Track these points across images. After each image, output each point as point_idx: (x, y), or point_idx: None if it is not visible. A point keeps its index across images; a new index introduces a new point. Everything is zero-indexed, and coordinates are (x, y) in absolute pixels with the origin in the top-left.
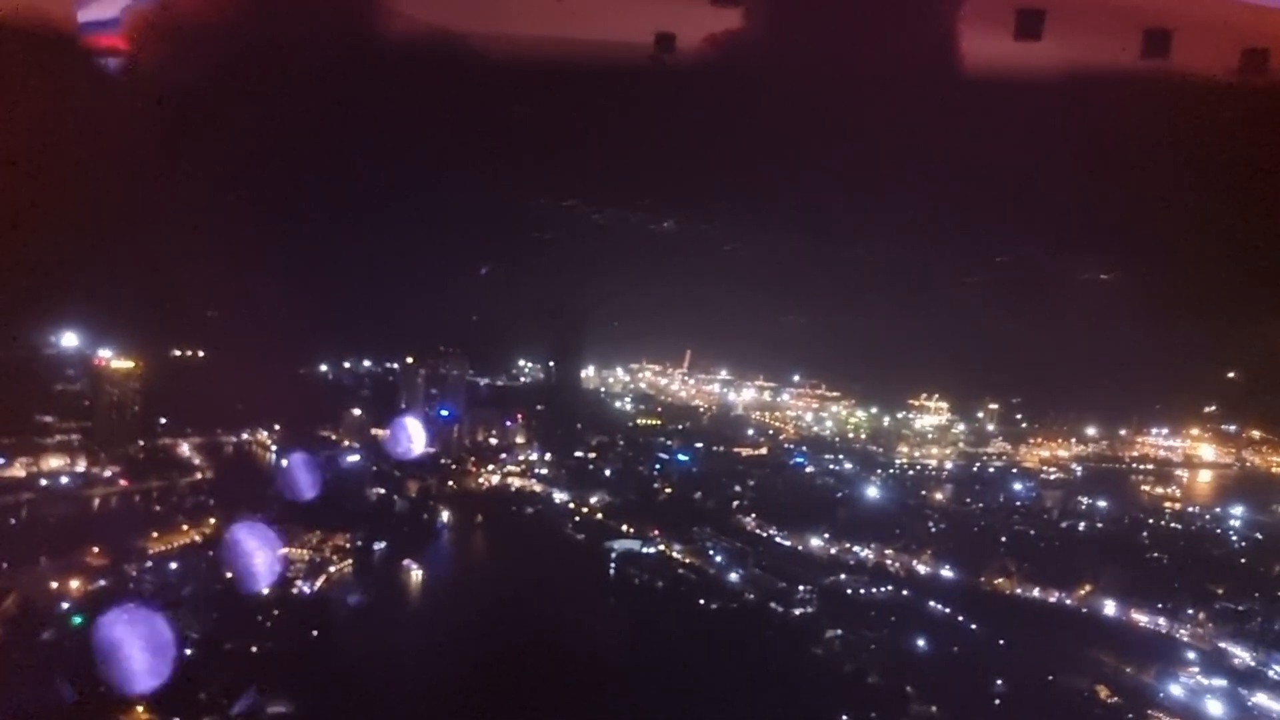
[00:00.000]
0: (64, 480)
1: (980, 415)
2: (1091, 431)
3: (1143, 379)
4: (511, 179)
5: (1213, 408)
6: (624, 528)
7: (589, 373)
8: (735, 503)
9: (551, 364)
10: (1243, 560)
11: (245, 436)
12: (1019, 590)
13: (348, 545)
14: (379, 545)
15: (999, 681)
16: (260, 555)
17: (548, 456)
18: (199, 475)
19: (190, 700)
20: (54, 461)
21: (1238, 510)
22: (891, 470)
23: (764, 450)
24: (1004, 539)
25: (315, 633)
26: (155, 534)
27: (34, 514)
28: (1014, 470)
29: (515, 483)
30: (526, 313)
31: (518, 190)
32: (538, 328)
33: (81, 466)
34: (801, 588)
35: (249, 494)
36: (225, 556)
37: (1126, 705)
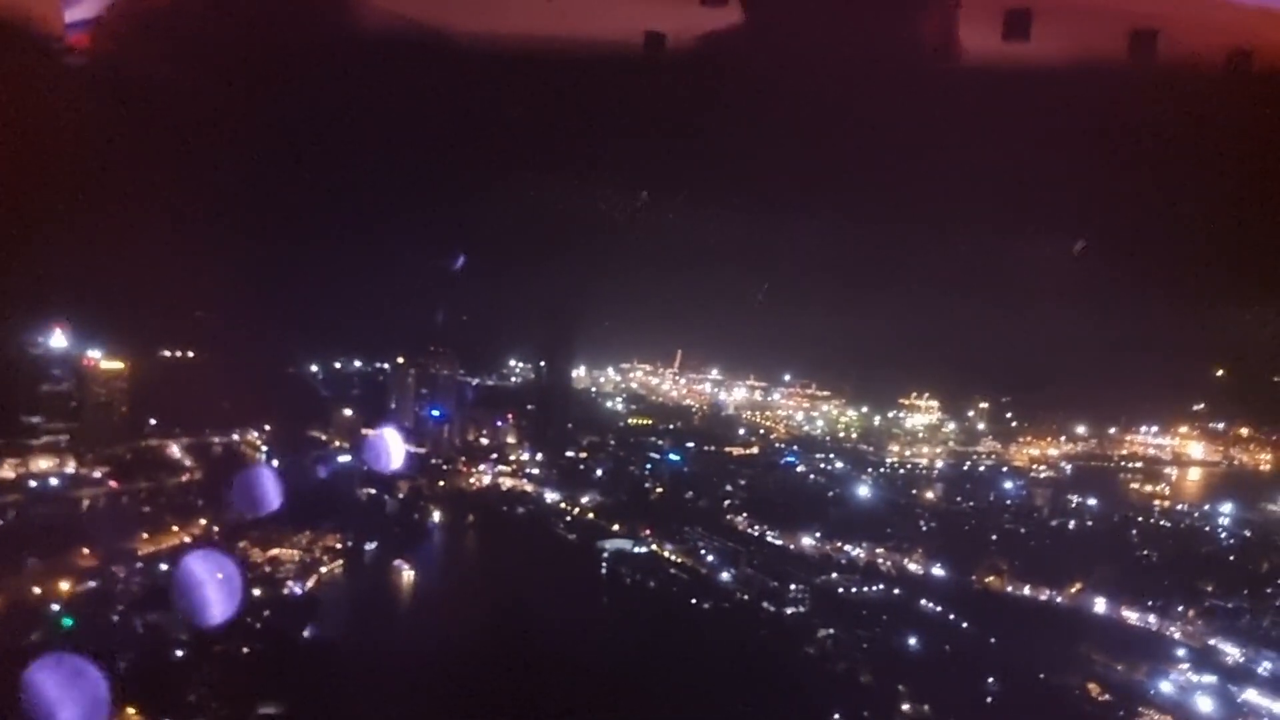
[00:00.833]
0: (52, 481)
1: (970, 414)
2: (1081, 430)
3: (1131, 377)
4: (501, 178)
5: (1201, 406)
6: (615, 527)
7: (580, 373)
8: (727, 502)
9: (542, 364)
10: (1232, 558)
11: (235, 437)
12: (1010, 589)
13: (339, 546)
14: (370, 545)
15: (990, 680)
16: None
17: (539, 456)
18: (188, 476)
19: (180, 702)
20: (42, 463)
21: (1227, 508)
22: (882, 469)
23: (755, 450)
24: (994, 537)
25: (306, 633)
26: (144, 535)
27: (22, 515)
28: (1004, 469)
29: (506, 483)
30: (517, 313)
31: (508, 189)
32: (529, 328)
33: (70, 468)
34: (793, 587)
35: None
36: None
37: (1117, 702)
